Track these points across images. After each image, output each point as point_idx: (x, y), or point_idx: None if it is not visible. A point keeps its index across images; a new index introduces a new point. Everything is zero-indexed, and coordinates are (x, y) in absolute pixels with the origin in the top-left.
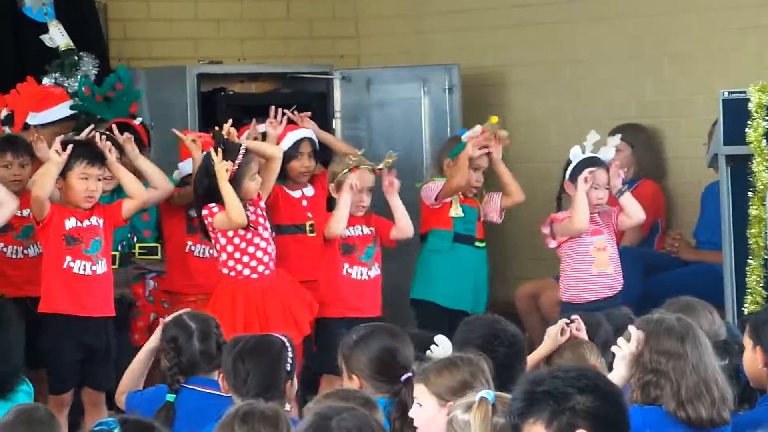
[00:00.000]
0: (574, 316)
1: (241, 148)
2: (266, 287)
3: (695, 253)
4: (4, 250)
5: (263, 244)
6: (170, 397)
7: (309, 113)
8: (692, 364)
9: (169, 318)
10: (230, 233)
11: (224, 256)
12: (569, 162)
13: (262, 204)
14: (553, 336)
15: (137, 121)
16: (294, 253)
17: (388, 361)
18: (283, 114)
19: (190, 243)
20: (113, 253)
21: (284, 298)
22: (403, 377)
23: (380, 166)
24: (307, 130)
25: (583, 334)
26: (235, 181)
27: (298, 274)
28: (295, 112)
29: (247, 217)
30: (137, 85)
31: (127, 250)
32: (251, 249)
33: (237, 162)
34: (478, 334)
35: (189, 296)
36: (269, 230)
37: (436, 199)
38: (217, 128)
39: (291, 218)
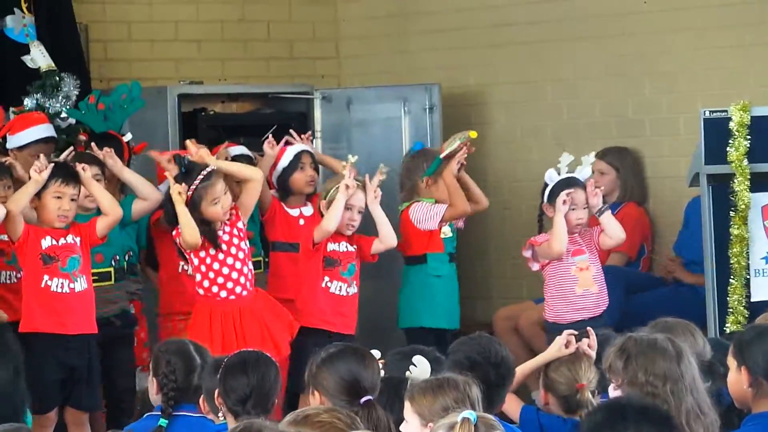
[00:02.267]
0: (589, 330)
1: (203, 171)
2: (243, 308)
3: (693, 276)
4: None
5: (238, 265)
6: (163, 422)
7: (309, 133)
8: (689, 386)
9: (171, 342)
10: (202, 254)
11: (198, 276)
12: (546, 185)
13: (241, 225)
14: (557, 346)
15: (125, 139)
16: (287, 271)
17: (352, 382)
18: (259, 137)
19: (182, 263)
20: (107, 269)
21: (262, 319)
22: (362, 400)
23: (375, 181)
24: (303, 144)
25: (593, 353)
26: (192, 204)
27: (290, 291)
28: (296, 134)
29: (219, 237)
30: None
31: (122, 265)
32: (225, 270)
33: (193, 186)
34: (469, 353)
35: (180, 315)
36: (245, 251)
37: (438, 224)
38: (178, 152)
39: (286, 236)
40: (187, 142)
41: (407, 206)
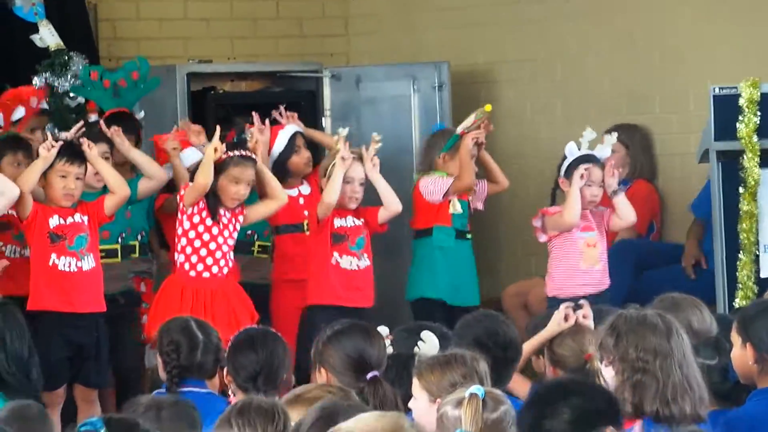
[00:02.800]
0: (582, 302)
1: (246, 152)
2: (215, 289)
3: None
4: (3, 249)
5: (225, 248)
6: None
7: (295, 114)
8: (678, 361)
9: (176, 320)
10: (196, 219)
11: (183, 241)
12: (564, 158)
13: (240, 219)
14: (556, 321)
15: (138, 117)
16: (292, 251)
17: (358, 359)
18: (268, 117)
19: None
20: (114, 246)
21: (230, 303)
22: (369, 375)
23: (372, 150)
24: (294, 125)
25: (590, 322)
26: (216, 168)
27: (297, 272)
28: (284, 112)
29: (219, 216)
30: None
31: (128, 242)
32: (212, 245)
33: (230, 153)
34: (477, 336)
35: None
36: (233, 240)
37: (443, 197)
38: (247, 124)
39: (288, 218)
40: (252, 125)
41: (419, 178)
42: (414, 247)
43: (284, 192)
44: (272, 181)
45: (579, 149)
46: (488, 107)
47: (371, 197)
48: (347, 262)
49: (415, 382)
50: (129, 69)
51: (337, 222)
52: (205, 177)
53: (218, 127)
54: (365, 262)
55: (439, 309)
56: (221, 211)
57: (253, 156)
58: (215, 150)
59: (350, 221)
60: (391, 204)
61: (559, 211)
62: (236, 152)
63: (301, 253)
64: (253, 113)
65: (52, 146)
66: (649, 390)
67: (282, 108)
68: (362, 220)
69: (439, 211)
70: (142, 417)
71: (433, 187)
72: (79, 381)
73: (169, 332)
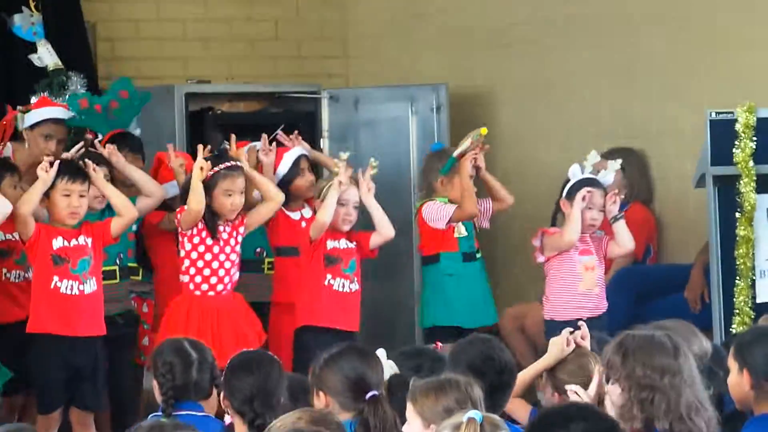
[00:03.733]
0: (580, 323)
1: (232, 162)
2: (221, 307)
3: None
4: (8, 275)
5: (228, 265)
6: None
7: (298, 136)
8: (687, 380)
9: (168, 342)
10: (196, 239)
11: (187, 262)
12: (567, 180)
13: (242, 230)
14: (558, 346)
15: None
16: (291, 274)
17: (357, 381)
18: (274, 139)
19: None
20: (112, 267)
21: (237, 322)
22: (368, 396)
23: (368, 175)
24: (299, 148)
25: (588, 343)
26: (206, 186)
27: (293, 296)
28: (285, 134)
29: (219, 233)
30: None
31: (126, 263)
32: (215, 264)
33: (216, 168)
34: (471, 361)
35: None
36: (237, 255)
37: (446, 225)
38: (225, 141)
39: (289, 240)
40: (232, 136)
41: (421, 205)
42: (423, 273)
43: (279, 191)
44: (264, 183)
45: (582, 171)
46: (484, 130)
47: (365, 222)
48: (339, 285)
49: (409, 407)
50: (117, 89)
51: (330, 244)
52: (197, 202)
53: (201, 146)
54: (355, 286)
55: (454, 334)
56: (221, 228)
57: (239, 163)
58: (201, 169)
59: (343, 244)
60: (384, 229)
61: (559, 232)
62: (221, 165)
63: (299, 276)
64: (263, 135)
65: (50, 167)
66: (659, 407)
67: (280, 131)
68: (354, 243)
69: (444, 237)
70: None
71: (436, 214)
72: (75, 404)
73: (162, 354)
